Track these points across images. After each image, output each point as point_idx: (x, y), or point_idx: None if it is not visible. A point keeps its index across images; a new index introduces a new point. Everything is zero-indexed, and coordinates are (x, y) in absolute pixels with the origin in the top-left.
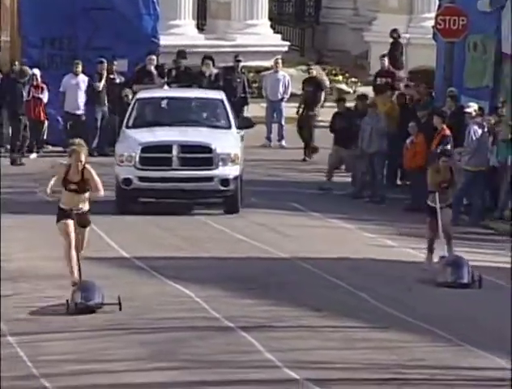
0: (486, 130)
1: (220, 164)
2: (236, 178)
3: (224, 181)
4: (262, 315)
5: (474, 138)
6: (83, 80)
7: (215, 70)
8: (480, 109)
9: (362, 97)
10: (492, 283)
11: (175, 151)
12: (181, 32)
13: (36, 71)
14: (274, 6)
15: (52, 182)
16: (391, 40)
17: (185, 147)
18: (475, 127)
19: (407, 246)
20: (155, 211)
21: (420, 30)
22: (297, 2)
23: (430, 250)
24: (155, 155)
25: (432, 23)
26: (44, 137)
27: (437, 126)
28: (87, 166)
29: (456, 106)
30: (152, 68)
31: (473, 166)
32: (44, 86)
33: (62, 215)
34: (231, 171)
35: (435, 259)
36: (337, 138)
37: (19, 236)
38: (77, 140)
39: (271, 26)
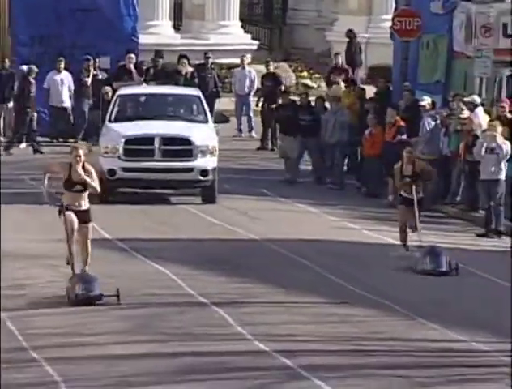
0: (439, 121)
1: (199, 155)
2: (214, 169)
3: (203, 172)
4: (234, 292)
5: (428, 129)
6: (66, 76)
7: (190, 69)
8: (433, 102)
9: (304, 95)
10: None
11: (157, 144)
12: (158, 31)
13: (25, 68)
14: (244, 8)
15: (46, 184)
16: (347, 39)
17: (167, 140)
18: (429, 119)
19: (366, 228)
20: (137, 200)
21: (379, 30)
22: (266, 5)
23: (404, 239)
24: (137, 147)
25: (389, 23)
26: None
27: (390, 118)
28: (87, 165)
29: (411, 100)
30: (132, 66)
31: (427, 155)
32: (34, 81)
33: (64, 209)
34: (209, 162)
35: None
36: (281, 127)
37: (8, 219)
38: (82, 142)
39: (242, 26)
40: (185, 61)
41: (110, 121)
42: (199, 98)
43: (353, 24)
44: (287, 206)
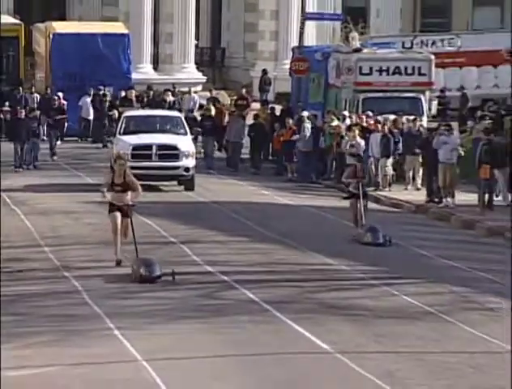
0: (317, 126)
1: (184, 158)
2: (193, 167)
3: (186, 169)
4: (192, 234)
5: (306, 132)
6: (88, 102)
7: (172, 98)
8: (315, 115)
9: (208, 110)
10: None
11: (154, 150)
12: (143, 71)
13: (60, 94)
14: (198, 56)
15: (105, 189)
16: (261, 75)
17: (161, 147)
18: (306, 125)
19: (275, 194)
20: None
21: (282, 70)
22: (211, 53)
23: (355, 222)
24: (141, 152)
25: (288, 66)
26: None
27: (287, 125)
28: (127, 171)
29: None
30: (133, 96)
31: (306, 148)
32: (65, 102)
33: (112, 209)
34: (190, 162)
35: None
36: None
37: (53, 190)
38: (120, 152)
39: (196, 67)
40: (169, 93)
41: (120, 134)
42: (180, 118)
43: (266, 66)
44: (225, 180)
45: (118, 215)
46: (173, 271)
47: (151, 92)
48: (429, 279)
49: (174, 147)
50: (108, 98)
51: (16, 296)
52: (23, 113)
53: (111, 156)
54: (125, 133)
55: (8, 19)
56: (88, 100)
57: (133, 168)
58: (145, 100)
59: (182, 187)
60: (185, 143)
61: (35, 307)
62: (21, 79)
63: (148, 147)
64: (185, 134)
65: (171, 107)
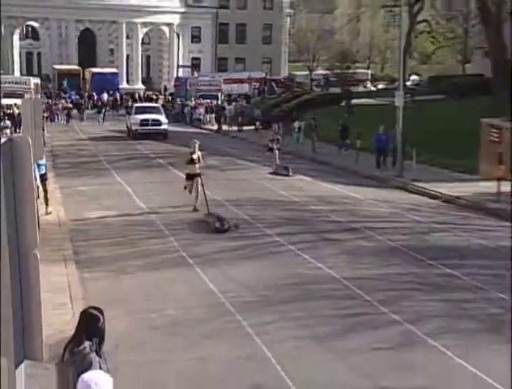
0: (184, 104)
1: (163, 125)
2: (167, 128)
3: (164, 130)
4: (155, 151)
5: (177, 106)
6: (106, 96)
7: (155, 97)
8: (182, 100)
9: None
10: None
11: (150, 121)
12: (124, 85)
13: (94, 93)
14: (142, 79)
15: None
16: (164, 86)
17: (153, 120)
18: (178, 103)
19: (176, 128)
20: (141, 139)
21: (171, 85)
22: (147, 78)
23: (273, 162)
24: (144, 122)
25: (173, 83)
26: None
27: (173, 104)
28: (199, 152)
29: (183, 101)
30: (137, 96)
31: (177, 111)
32: (95, 97)
33: (189, 176)
34: (166, 127)
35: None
36: None
37: (95, 128)
38: (195, 140)
39: (142, 83)
40: (156, 94)
41: (133, 114)
42: (159, 107)
43: (166, 83)
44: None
45: (191, 180)
46: (236, 223)
47: (146, 93)
48: (251, 163)
49: (159, 120)
50: (125, 97)
51: (78, 168)
52: (82, 101)
53: (127, 122)
54: (135, 113)
55: (75, 67)
56: (104, 95)
57: (141, 129)
58: (142, 98)
59: (161, 137)
60: (163, 118)
61: (89, 170)
62: (81, 88)
63: (147, 120)
64: (162, 114)
65: (155, 100)
